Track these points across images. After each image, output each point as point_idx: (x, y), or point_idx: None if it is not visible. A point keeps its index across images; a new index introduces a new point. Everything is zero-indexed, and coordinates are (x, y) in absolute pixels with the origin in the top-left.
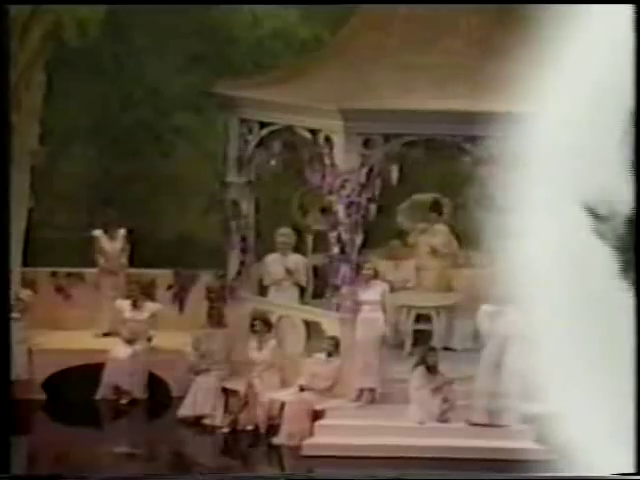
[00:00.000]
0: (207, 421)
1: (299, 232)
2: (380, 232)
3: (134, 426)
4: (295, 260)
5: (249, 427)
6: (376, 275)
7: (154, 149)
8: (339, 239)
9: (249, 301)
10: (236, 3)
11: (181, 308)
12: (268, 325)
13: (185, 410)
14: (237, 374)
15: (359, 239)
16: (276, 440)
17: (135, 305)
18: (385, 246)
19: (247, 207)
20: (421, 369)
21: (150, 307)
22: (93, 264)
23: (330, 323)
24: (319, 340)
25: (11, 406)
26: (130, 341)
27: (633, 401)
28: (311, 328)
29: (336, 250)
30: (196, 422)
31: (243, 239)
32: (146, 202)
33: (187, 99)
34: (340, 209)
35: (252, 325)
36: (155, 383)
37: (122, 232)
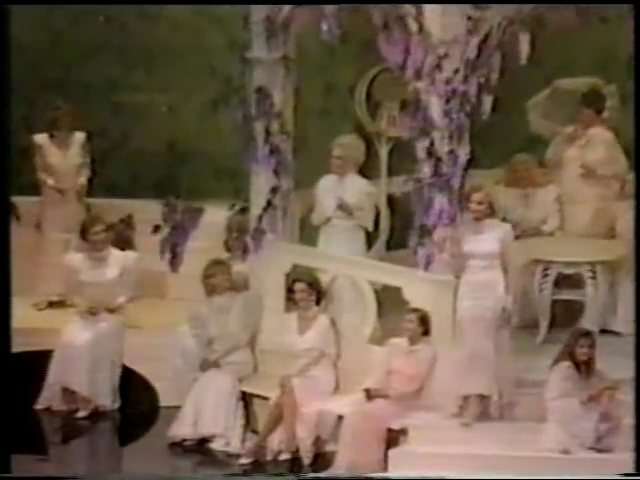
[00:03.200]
0: (217, 445)
1: (367, 141)
2: (499, 141)
3: (99, 452)
4: (359, 187)
5: (284, 455)
6: (492, 212)
7: (132, 4)
8: (432, 153)
9: (285, 252)
10: (236, 3)
11: (174, 263)
12: (316, 291)
13: (181, 428)
14: (265, 371)
15: (465, 153)
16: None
17: (99, 257)
18: (507, 164)
19: (282, 99)
20: (566, 366)
21: (122, 259)
22: (33, 189)
23: (416, 289)
24: (398, 316)
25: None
26: (91, 315)
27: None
28: (385, 296)
29: (427, 171)
30: (199, 446)
31: (275, 151)
32: (118, 88)
33: None
34: (434, 103)
35: (290, 291)
36: (132, 384)
37: (79, 137)
